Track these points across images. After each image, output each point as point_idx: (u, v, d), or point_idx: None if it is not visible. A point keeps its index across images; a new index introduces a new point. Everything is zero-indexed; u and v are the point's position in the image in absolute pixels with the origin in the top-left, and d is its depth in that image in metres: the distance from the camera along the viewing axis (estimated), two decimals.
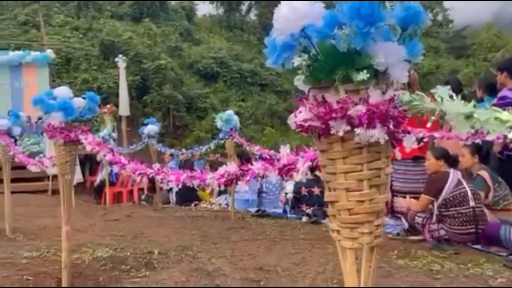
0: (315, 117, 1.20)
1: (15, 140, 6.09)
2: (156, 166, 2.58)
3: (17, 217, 6.26)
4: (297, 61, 1.17)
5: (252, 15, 31.01)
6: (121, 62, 15.32)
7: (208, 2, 30.56)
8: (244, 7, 30.83)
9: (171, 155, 11.25)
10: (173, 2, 27.81)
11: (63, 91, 3.41)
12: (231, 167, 1.92)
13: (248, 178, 1.81)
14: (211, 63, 23.05)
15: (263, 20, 28.42)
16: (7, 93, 16.27)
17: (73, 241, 3.95)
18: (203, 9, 30.76)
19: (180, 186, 2.32)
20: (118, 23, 22.78)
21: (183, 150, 9.90)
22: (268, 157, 7.06)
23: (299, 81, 1.20)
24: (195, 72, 23.12)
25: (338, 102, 1.18)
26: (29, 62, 16.55)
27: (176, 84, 20.54)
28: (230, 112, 7.18)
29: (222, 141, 7.44)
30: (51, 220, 6.43)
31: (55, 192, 11.58)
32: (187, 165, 11.99)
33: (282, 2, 1.13)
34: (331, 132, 1.20)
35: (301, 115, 1.24)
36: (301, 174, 1.54)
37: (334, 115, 1.17)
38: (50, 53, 16.98)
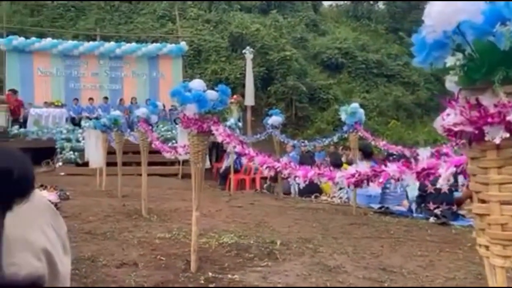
0: (466, 121, 1.09)
1: (152, 127, 6.54)
2: (283, 160, 2.60)
3: (151, 198, 6.77)
4: (450, 60, 1.07)
5: (381, 4, 29.92)
6: (248, 53, 15.75)
7: None
8: None
9: (293, 145, 11.32)
10: None
11: (197, 84, 3.58)
12: (363, 166, 1.85)
13: (381, 180, 1.72)
14: (335, 54, 22.76)
15: (392, 8, 27.30)
16: (145, 83, 17.67)
17: (201, 226, 4.16)
18: None
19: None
20: (247, 16, 23.44)
21: (306, 142, 9.91)
22: (395, 153, 6.78)
23: (451, 82, 1.10)
24: (319, 63, 23.00)
25: (495, 106, 1.05)
26: (165, 53, 17.78)
27: (300, 75, 20.62)
28: (355, 105, 7.01)
29: (346, 134, 7.31)
30: (181, 203, 6.85)
31: (185, 176, 12.33)
32: (308, 156, 12.04)
33: None
34: (486, 138, 1.08)
35: (450, 118, 1.14)
36: (443, 180, 1.43)
37: (490, 120, 1.05)
38: (184, 45, 18.07)
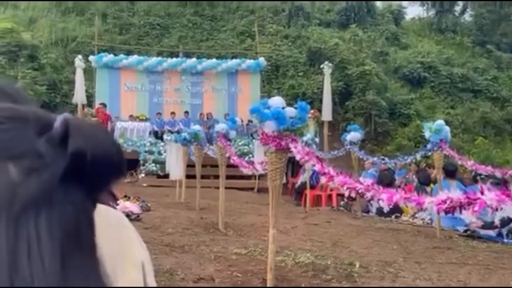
0: None
1: (230, 142, 6.63)
2: (364, 179, 2.50)
3: (228, 212, 6.84)
4: None
5: (467, 16, 28.62)
6: (326, 68, 15.64)
7: (418, 4, 29.23)
8: (458, 8, 28.65)
9: (373, 163, 11.00)
10: (381, 7, 27.35)
11: (277, 101, 3.56)
12: (456, 193, 1.72)
13: (476, 208, 1.58)
14: (418, 68, 21.98)
15: (480, 20, 26.00)
16: (224, 97, 18.05)
17: (276, 243, 4.10)
18: (412, 12, 29.47)
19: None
20: (326, 30, 23.32)
21: (386, 159, 9.60)
22: (483, 173, 6.38)
23: None
24: (400, 77, 22.31)
25: None
26: (244, 69, 18.10)
27: (380, 89, 20.12)
28: (440, 122, 6.67)
29: (430, 153, 6.97)
30: (257, 218, 6.86)
31: (261, 190, 12.39)
32: (387, 174, 11.63)
33: None
34: None
35: None
36: None
37: None
38: (262, 60, 18.30)
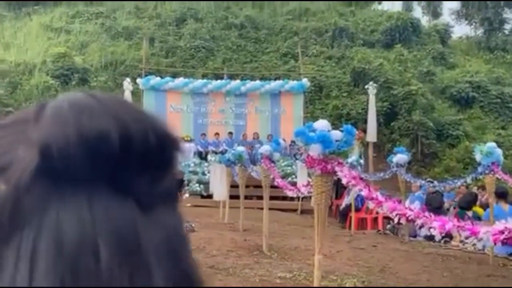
0: None
1: (274, 164, 6.62)
2: (416, 207, 2.43)
3: (271, 234, 6.79)
4: None
5: None
6: (371, 88, 15.48)
7: (466, 23, 28.64)
8: (508, 26, 27.88)
9: (420, 185, 10.70)
10: (426, 26, 26.96)
11: (322, 124, 3.54)
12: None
13: None
14: (466, 88, 21.39)
15: None
16: (267, 118, 18.13)
17: (322, 268, 4.03)
18: (459, 31, 28.91)
19: None
20: (370, 51, 23.14)
21: (435, 182, 9.31)
22: None
23: None
24: (448, 98, 21.77)
25: None
26: (287, 90, 18.15)
27: (426, 110, 19.68)
28: (492, 144, 6.45)
29: (481, 176, 6.73)
30: (301, 241, 6.78)
31: (304, 211, 12.28)
32: (436, 197, 11.27)
33: None
34: None
35: None
36: None
37: None
38: (305, 81, 18.31)
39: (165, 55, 22.90)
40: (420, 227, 2.33)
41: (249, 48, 23.82)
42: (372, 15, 27.32)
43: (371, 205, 2.91)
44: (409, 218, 2.32)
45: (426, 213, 2.23)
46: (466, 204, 9.24)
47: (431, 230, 2.12)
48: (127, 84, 16.47)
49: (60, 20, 24.31)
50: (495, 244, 1.71)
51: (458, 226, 1.96)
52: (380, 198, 2.78)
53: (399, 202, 2.64)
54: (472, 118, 21.03)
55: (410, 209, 2.36)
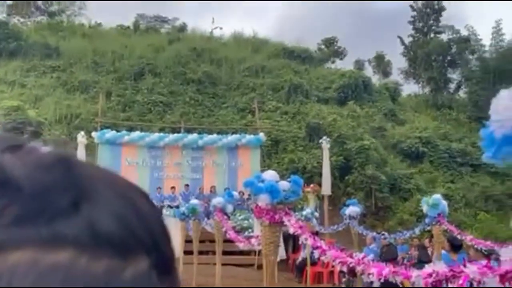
0: None
1: (228, 217, 6.60)
2: (357, 255, 2.49)
3: None
4: None
5: (462, 93, 29.50)
6: (325, 143, 15.87)
7: (414, 82, 30.25)
8: (452, 85, 29.63)
9: (373, 238, 10.86)
10: (377, 84, 28.25)
11: (270, 175, 3.63)
12: (440, 266, 1.72)
13: (460, 282, 1.59)
14: (416, 143, 22.28)
15: (474, 97, 26.71)
16: (224, 172, 18.16)
17: None
18: (408, 89, 30.46)
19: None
20: (324, 107, 23.91)
21: (386, 234, 9.49)
22: (484, 247, 6.30)
23: None
24: (399, 152, 22.55)
25: None
26: (244, 144, 18.36)
27: (379, 164, 20.26)
28: (437, 196, 6.71)
29: (428, 227, 6.94)
30: None
31: (260, 266, 12.11)
32: (389, 249, 11.43)
33: (502, 91, 1.01)
34: None
35: None
36: None
37: None
38: (262, 136, 18.61)
39: (122, 109, 22.84)
40: (372, 281, 2.39)
41: (206, 103, 24.13)
42: (326, 73, 28.42)
43: (317, 254, 2.96)
44: (350, 265, 2.38)
45: (365, 260, 2.30)
46: (425, 257, 9.41)
47: (370, 276, 2.18)
48: (81, 137, 16.24)
49: (14, 74, 23.99)
50: (425, 287, 1.79)
51: (393, 272, 2.03)
52: (324, 246, 2.84)
53: (341, 250, 2.71)
54: (423, 172, 21.77)
55: (351, 256, 2.43)
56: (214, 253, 8.54)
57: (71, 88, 23.39)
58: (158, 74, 25.19)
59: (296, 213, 11.14)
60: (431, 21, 29.98)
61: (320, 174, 16.85)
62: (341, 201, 17.72)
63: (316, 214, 14.84)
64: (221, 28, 34.13)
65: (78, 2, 33.97)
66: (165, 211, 14.04)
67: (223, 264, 6.33)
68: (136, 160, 17.67)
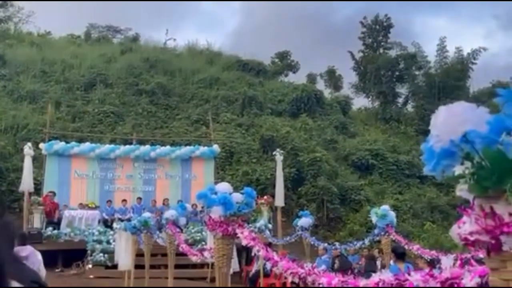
0: (482, 231, 1.07)
1: (181, 230, 6.54)
2: (308, 266, 2.54)
3: None
4: (459, 169, 1.07)
5: (409, 107, 30.60)
6: (278, 155, 16.00)
7: (364, 96, 31.13)
8: (400, 99, 30.71)
9: (325, 248, 11.02)
10: (329, 98, 28.88)
11: (223, 187, 3.64)
12: (387, 275, 1.79)
13: None
14: (366, 155, 22.89)
15: (421, 111, 27.75)
16: (178, 184, 17.94)
17: None
18: (358, 103, 31.31)
19: None
20: (277, 119, 24.18)
21: (337, 245, 9.66)
22: (429, 257, 6.52)
23: (462, 191, 1.10)
24: (350, 164, 23.08)
25: (510, 214, 1.04)
26: (198, 156, 18.22)
27: (331, 175, 20.65)
28: (385, 207, 6.92)
29: (378, 237, 7.12)
30: None
31: (214, 279, 12.01)
32: (342, 260, 11.63)
33: (440, 107, 1.08)
34: (503, 248, 1.05)
35: (465, 227, 1.11)
36: None
37: (505, 229, 1.03)
38: (216, 147, 18.55)
39: (71, 119, 22.24)
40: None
41: (159, 114, 23.88)
42: (279, 86, 28.80)
43: (269, 265, 2.99)
44: (301, 275, 2.42)
45: (316, 270, 2.35)
46: (372, 267, 9.62)
47: (320, 285, 2.23)
48: (28, 149, 15.62)
49: None
50: None
51: (342, 281, 2.08)
52: (276, 258, 2.88)
53: (293, 261, 2.75)
54: (372, 183, 22.34)
55: (302, 267, 2.47)
56: (166, 266, 8.42)
57: (18, 98, 22.57)
58: (109, 84, 24.74)
59: (250, 225, 11.17)
60: (380, 37, 31.02)
61: (274, 186, 16.96)
62: (294, 212, 17.91)
63: (270, 225, 14.94)
64: (175, 40, 34.07)
65: (26, 10, 32.99)
66: (115, 225, 13.73)
67: (175, 278, 6.24)
68: (86, 172, 17.19)
